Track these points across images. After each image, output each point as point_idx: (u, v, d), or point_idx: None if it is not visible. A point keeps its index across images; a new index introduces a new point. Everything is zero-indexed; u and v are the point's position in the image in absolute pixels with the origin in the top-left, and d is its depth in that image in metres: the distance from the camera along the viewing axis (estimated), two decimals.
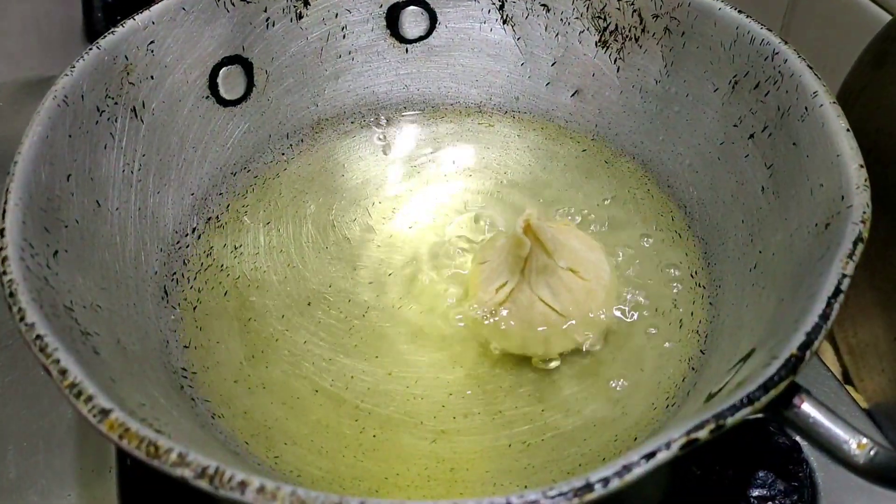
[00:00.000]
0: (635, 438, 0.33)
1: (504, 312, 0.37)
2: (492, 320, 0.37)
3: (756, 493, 0.36)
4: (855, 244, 0.28)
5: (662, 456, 0.23)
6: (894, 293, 0.49)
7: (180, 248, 0.41)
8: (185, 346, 0.37)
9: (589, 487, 0.22)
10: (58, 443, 0.41)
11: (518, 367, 0.36)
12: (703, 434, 0.24)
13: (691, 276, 0.39)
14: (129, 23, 0.39)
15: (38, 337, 0.26)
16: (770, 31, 0.38)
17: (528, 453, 0.33)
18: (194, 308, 0.39)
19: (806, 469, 0.37)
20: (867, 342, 0.52)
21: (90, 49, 0.38)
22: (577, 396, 0.35)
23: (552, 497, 0.22)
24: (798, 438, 0.38)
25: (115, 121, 0.38)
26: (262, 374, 0.36)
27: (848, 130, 0.33)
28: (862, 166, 0.31)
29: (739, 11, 0.39)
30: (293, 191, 0.45)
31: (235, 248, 0.42)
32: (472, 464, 0.33)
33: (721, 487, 0.37)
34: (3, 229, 0.29)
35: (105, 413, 0.25)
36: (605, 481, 0.22)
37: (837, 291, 0.27)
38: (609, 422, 0.34)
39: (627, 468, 0.23)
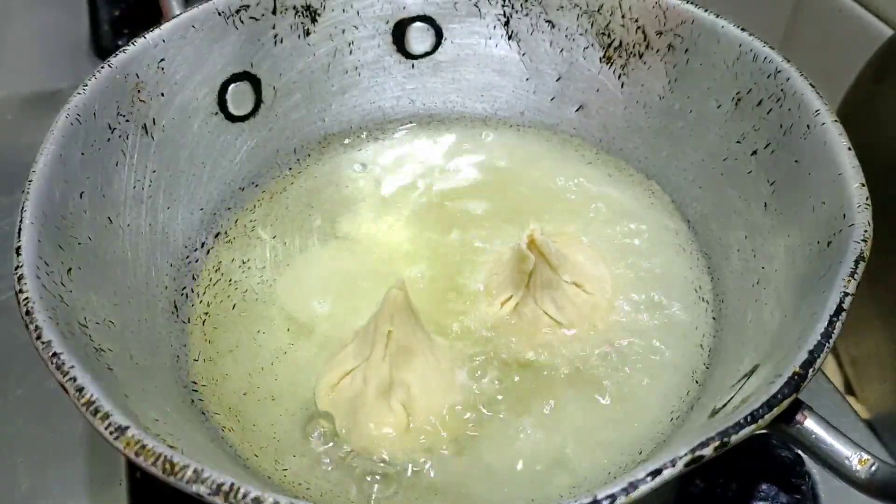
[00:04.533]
0: (640, 452, 0.34)
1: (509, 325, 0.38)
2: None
3: None
4: (857, 263, 0.29)
5: (668, 473, 0.24)
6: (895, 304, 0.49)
7: (189, 262, 0.41)
8: (195, 360, 0.38)
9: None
10: (68, 455, 0.42)
11: (524, 382, 0.36)
12: (707, 451, 0.24)
13: (695, 290, 0.40)
14: (140, 41, 0.40)
15: (55, 355, 0.27)
16: (772, 48, 0.39)
17: (534, 470, 0.33)
18: (203, 322, 0.39)
19: (808, 482, 0.38)
20: (869, 353, 0.52)
21: (102, 68, 0.38)
22: (582, 410, 0.35)
23: None
24: (800, 452, 0.38)
25: (127, 138, 0.39)
26: (271, 386, 0.37)
27: (850, 149, 0.33)
28: (863, 185, 0.32)
29: (742, 29, 0.40)
30: (300, 205, 0.45)
31: (244, 263, 0.42)
32: (479, 478, 0.33)
33: (724, 500, 0.37)
34: (20, 247, 0.30)
35: (122, 430, 0.25)
36: (612, 498, 0.23)
37: (840, 310, 0.27)
38: (614, 435, 0.34)
39: (633, 485, 0.23)
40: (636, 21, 0.44)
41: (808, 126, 0.36)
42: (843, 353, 0.55)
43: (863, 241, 0.29)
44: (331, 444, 0.34)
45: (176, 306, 0.39)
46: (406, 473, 0.33)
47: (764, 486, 0.37)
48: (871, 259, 0.29)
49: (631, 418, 0.35)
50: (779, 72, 0.38)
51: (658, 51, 0.44)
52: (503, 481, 0.33)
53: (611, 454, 0.34)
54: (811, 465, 0.38)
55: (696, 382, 0.36)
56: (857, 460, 0.26)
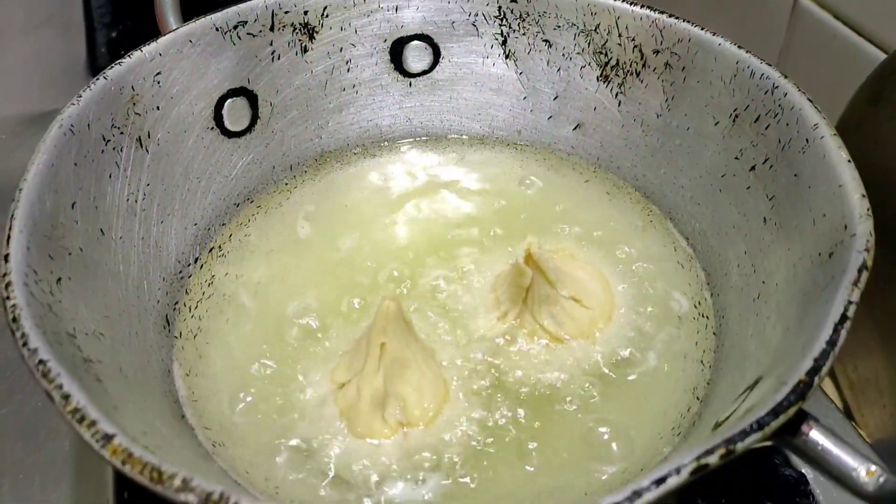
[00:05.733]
0: (642, 469, 0.33)
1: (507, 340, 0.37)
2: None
3: None
4: (860, 272, 0.28)
5: (673, 481, 0.23)
6: (894, 328, 0.49)
7: (182, 277, 0.41)
8: (186, 375, 0.37)
9: None
10: (53, 475, 0.41)
11: (520, 398, 0.35)
12: (713, 459, 0.23)
13: (695, 306, 0.39)
14: (137, 54, 0.40)
15: (41, 362, 0.26)
16: (770, 65, 0.39)
17: (537, 483, 0.32)
18: (195, 336, 0.39)
19: (812, 502, 0.37)
20: (868, 377, 0.52)
21: (97, 79, 0.38)
22: (583, 427, 0.35)
23: None
24: (804, 470, 0.37)
25: (121, 150, 0.38)
26: (263, 402, 0.36)
27: (849, 161, 0.33)
28: (864, 196, 0.32)
29: (739, 46, 0.40)
30: (295, 220, 0.45)
31: (237, 277, 0.41)
32: (474, 494, 0.32)
33: None
34: (8, 255, 0.29)
35: (108, 438, 0.24)
36: None
37: (844, 318, 0.27)
38: (616, 452, 0.34)
39: (638, 493, 0.22)
40: (633, 40, 0.44)
41: (806, 140, 0.35)
42: (842, 377, 0.54)
43: (865, 250, 0.29)
44: (324, 459, 0.33)
45: (168, 320, 0.38)
46: (401, 489, 0.32)
47: None
48: (869, 282, 0.29)
49: (632, 434, 0.34)
50: (776, 87, 0.38)
51: (655, 69, 0.44)
52: (498, 498, 0.32)
53: (612, 470, 0.33)
54: (815, 484, 0.38)
55: (698, 398, 0.35)
56: (864, 472, 0.26)
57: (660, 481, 0.23)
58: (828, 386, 0.51)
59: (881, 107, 0.51)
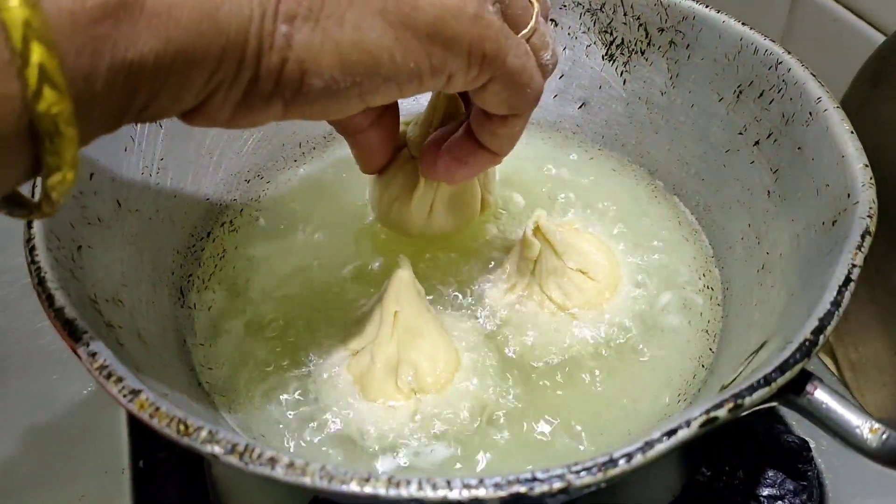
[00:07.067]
0: None
1: (515, 311, 0.38)
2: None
3: (766, 492, 0.37)
4: (863, 236, 0.29)
5: (683, 433, 0.24)
6: (894, 307, 0.49)
7: (195, 250, 0.41)
8: (201, 344, 0.38)
9: (613, 462, 0.23)
10: (69, 444, 0.41)
11: (529, 368, 0.36)
12: (721, 413, 0.24)
13: (699, 278, 0.40)
14: None
15: (68, 321, 0.27)
16: (773, 41, 0.39)
17: (544, 449, 0.33)
18: (209, 308, 0.39)
19: (814, 468, 0.38)
20: (868, 357, 0.52)
21: None
22: (588, 394, 0.35)
23: (577, 472, 0.23)
24: (807, 437, 0.38)
25: (136, 124, 0.39)
26: (277, 370, 0.36)
27: (852, 132, 0.34)
28: (867, 165, 0.32)
29: (743, 23, 0.41)
30: (305, 196, 0.45)
31: (248, 251, 0.42)
32: (490, 461, 0.33)
33: (731, 487, 0.37)
34: (31, 220, 0.30)
35: (135, 393, 0.25)
36: (629, 457, 0.23)
37: (848, 280, 0.28)
38: (621, 418, 0.34)
39: (650, 444, 0.23)
40: (638, 18, 0.45)
41: (809, 113, 0.36)
42: (843, 357, 0.55)
43: (868, 216, 0.30)
44: (337, 424, 0.34)
45: (182, 292, 0.39)
46: (412, 455, 0.33)
47: (770, 473, 0.37)
48: (869, 262, 0.29)
49: (638, 403, 0.35)
50: (780, 63, 0.39)
51: (660, 47, 0.45)
52: (508, 465, 0.33)
53: (618, 436, 0.34)
54: (817, 452, 0.38)
55: (703, 367, 0.36)
56: (867, 429, 0.26)
57: (670, 433, 0.23)
58: (828, 365, 0.52)
59: (881, 88, 0.52)
